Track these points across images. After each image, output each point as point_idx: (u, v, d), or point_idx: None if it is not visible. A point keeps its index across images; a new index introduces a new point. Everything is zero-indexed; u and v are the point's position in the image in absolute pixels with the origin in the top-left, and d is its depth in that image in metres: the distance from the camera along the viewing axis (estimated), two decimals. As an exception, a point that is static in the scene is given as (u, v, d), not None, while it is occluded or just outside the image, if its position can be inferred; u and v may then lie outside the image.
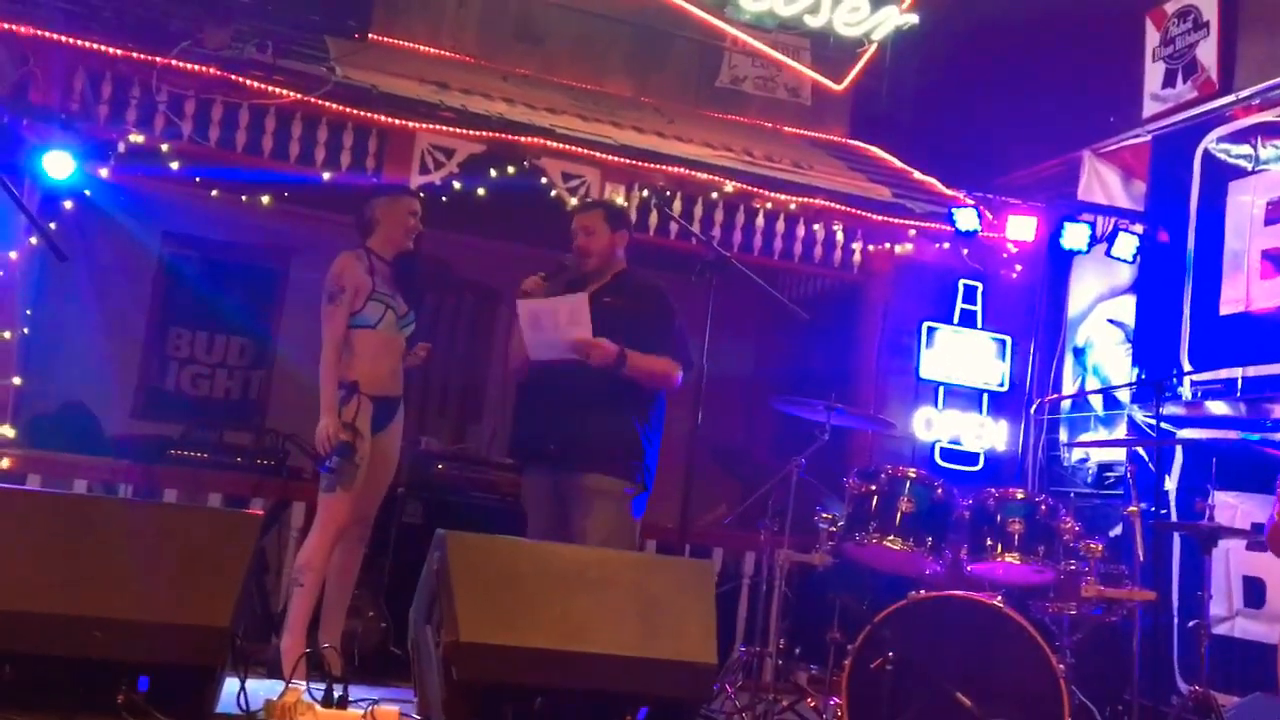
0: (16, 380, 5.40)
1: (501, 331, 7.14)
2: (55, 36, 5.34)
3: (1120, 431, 6.19)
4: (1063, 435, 6.72)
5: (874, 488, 4.57)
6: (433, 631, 3.23)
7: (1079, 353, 6.75)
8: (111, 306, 6.85)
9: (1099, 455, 6.40)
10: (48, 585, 2.86)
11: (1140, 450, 5.91)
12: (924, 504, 4.51)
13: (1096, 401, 6.52)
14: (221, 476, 5.78)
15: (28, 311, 5.48)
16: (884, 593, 4.60)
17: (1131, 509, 4.43)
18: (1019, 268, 6.86)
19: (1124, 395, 6.25)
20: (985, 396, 6.83)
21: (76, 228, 5.72)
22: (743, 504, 4.99)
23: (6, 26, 5.28)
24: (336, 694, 3.40)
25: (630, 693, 3.17)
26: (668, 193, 6.07)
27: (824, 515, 4.64)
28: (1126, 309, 6.47)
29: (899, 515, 4.49)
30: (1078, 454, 6.55)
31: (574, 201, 5.91)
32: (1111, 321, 6.58)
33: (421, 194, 5.85)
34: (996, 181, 7.19)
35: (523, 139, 5.97)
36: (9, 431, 5.37)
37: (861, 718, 4.19)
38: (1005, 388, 6.85)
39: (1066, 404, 6.71)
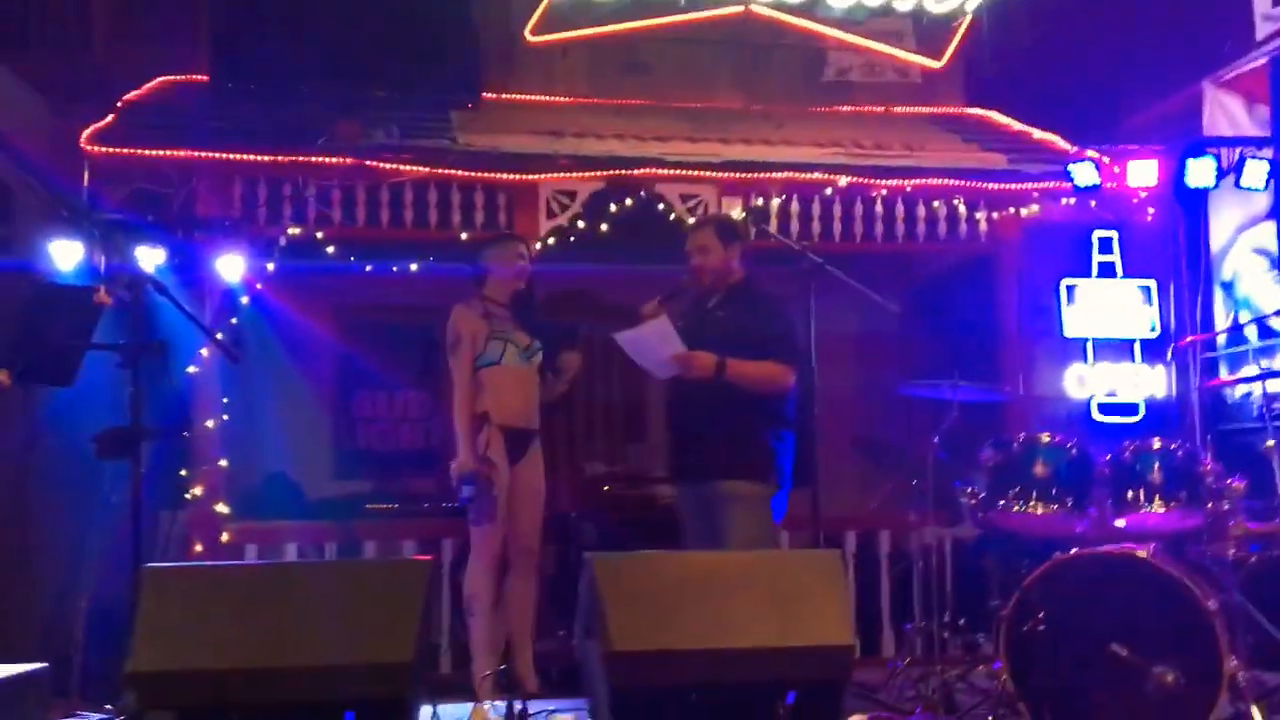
0: (224, 462, 6.06)
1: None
2: (210, 155, 5.98)
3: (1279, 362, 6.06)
4: (1223, 372, 6.60)
5: (1009, 456, 4.67)
6: (593, 645, 3.57)
7: (1228, 287, 6.62)
8: (298, 381, 7.50)
9: (1261, 388, 6.25)
10: (259, 644, 3.34)
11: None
12: (1060, 465, 4.59)
13: (1252, 334, 6.39)
14: (412, 524, 6.32)
15: (224, 400, 6.12)
16: (1037, 556, 4.69)
17: (1269, 443, 4.42)
18: (1152, 211, 6.76)
19: (1279, 324, 6.12)
20: (1137, 345, 6.77)
21: (256, 318, 6.35)
22: (886, 489, 5.17)
23: (168, 152, 5.95)
24: (518, 709, 3.79)
25: (777, 680, 3.43)
26: (762, 200, 6.28)
27: (966, 490, 4.77)
28: (1270, 236, 6.32)
29: (1037, 480, 4.59)
30: (1241, 389, 6.43)
31: (692, 221, 6.20)
32: (1257, 251, 6.45)
33: (551, 238, 6.33)
34: (1121, 126, 7.09)
35: (636, 171, 6.31)
36: (224, 509, 6.03)
37: (1024, 679, 4.32)
38: (1156, 333, 6.77)
39: (1222, 340, 6.59)
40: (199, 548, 5.83)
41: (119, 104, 6.24)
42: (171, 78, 6.69)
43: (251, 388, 6.65)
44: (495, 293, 4.93)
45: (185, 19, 6.75)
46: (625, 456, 7.29)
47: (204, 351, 5.92)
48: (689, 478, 4.61)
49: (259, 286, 6.22)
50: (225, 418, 6.10)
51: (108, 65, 6.47)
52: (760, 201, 6.39)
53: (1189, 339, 6.40)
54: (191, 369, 5.89)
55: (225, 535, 5.96)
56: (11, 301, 3.81)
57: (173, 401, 4.85)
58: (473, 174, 6.23)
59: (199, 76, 6.81)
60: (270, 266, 6.15)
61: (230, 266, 5.92)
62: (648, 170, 6.34)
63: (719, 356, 4.40)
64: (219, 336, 4.40)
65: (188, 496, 5.90)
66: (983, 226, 6.69)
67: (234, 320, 6.05)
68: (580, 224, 6.33)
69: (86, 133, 5.87)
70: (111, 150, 5.84)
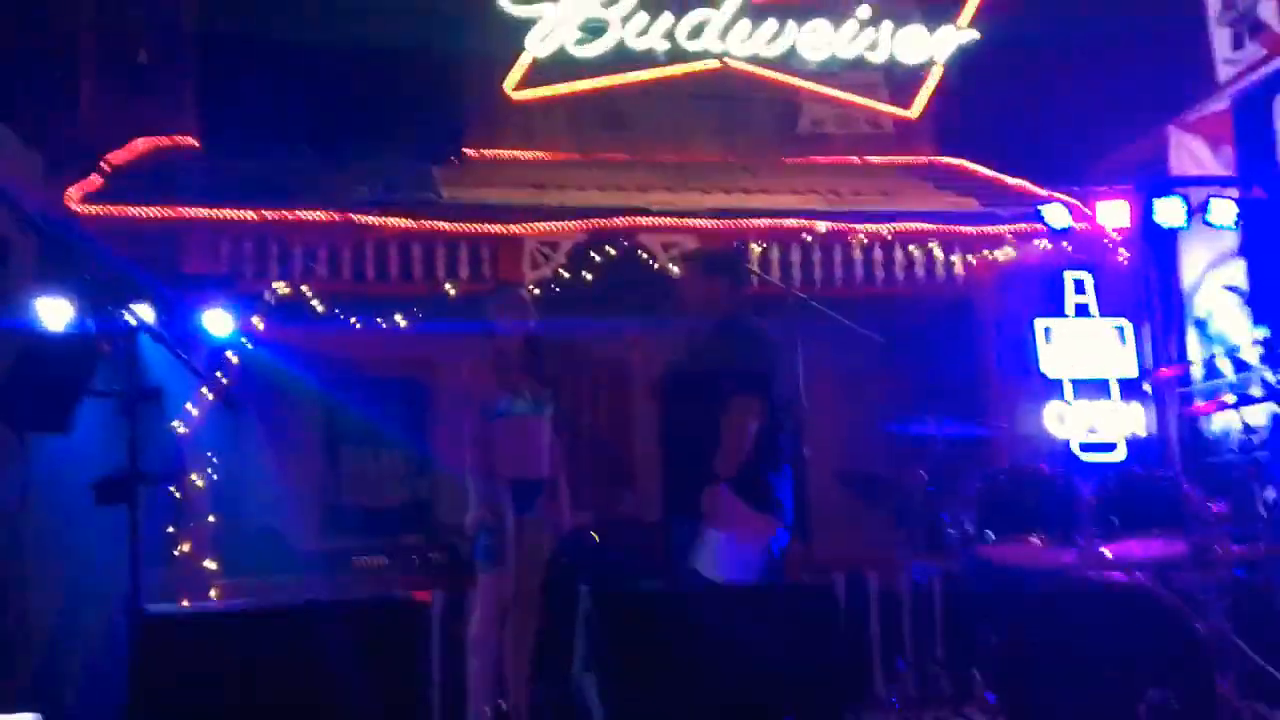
0: (211, 518, 6.05)
1: (636, 401, 7.53)
2: (198, 212, 6.06)
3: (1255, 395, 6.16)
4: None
5: (995, 488, 4.74)
6: (590, 678, 3.58)
7: (1201, 325, 6.75)
8: (286, 438, 7.48)
9: (1239, 421, 6.37)
10: (261, 686, 3.34)
11: (1277, 409, 5.92)
12: (1047, 496, 4.65)
13: (1227, 368, 6.50)
14: (401, 578, 6.32)
15: (212, 457, 6.12)
16: (1025, 588, 4.74)
17: (1251, 465, 4.51)
18: (1124, 252, 6.91)
19: (1253, 357, 6.23)
20: (1114, 383, 6.88)
21: (243, 375, 6.37)
22: (874, 525, 5.22)
23: (158, 212, 6.02)
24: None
25: (774, 706, 3.46)
26: (752, 246, 6.40)
27: (954, 523, 4.82)
28: (1239, 273, 6.47)
29: (1023, 511, 4.65)
30: (1219, 424, 6.54)
31: (675, 270, 6.30)
32: (1227, 288, 6.59)
33: (535, 288, 6.40)
34: (1090, 171, 7.27)
35: (618, 221, 6.42)
36: (212, 565, 6.01)
37: (1019, 711, 4.35)
38: (1133, 372, 6.89)
39: (1198, 373, 6.71)
40: (186, 604, 5.80)
41: (106, 164, 6.32)
42: (158, 139, 6.78)
43: (239, 443, 6.66)
44: (504, 343, 4.96)
45: (172, 82, 6.86)
46: (618, 503, 7.31)
47: (191, 407, 5.95)
48: (686, 515, 4.62)
49: (246, 343, 6.26)
50: (213, 474, 6.11)
51: (96, 127, 6.54)
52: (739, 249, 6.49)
53: (1166, 371, 6.51)
54: (178, 425, 5.90)
55: (213, 592, 5.94)
56: (7, 351, 3.84)
57: (163, 453, 4.86)
58: (457, 227, 6.32)
59: (186, 138, 6.90)
60: (258, 322, 6.19)
61: (218, 322, 5.95)
62: (629, 220, 6.45)
63: (712, 479, 4.33)
64: (221, 380, 4.39)
65: (175, 553, 5.88)
66: (959, 269, 6.82)
67: (222, 375, 6.07)
68: (564, 274, 6.41)
69: (75, 192, 5.94)
70: (100, 209, 5.90)
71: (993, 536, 4.65)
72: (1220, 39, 6.49)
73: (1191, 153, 6.73)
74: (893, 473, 5.22)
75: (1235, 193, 6.30)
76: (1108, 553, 4.65)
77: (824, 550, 4.90)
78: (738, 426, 4.38)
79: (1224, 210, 6.25)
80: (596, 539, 6.52)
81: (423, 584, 6.18)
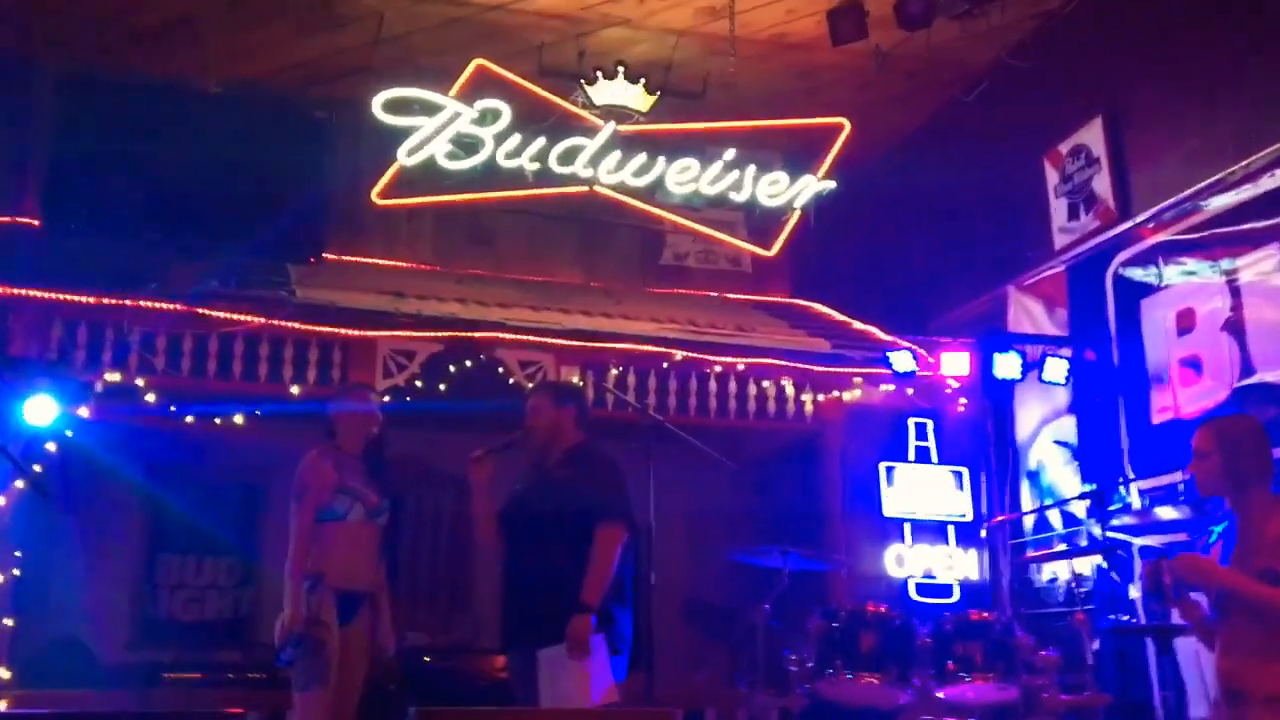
0: (9, 621, 5.58)
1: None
2: (30, 292, 5.74)
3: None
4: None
5: (836, 625, 4.75)
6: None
7: (1033, 476, 7.00)
8: (101, 541, 7.06)
9: (1068, 573, 6.58)
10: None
11: (1102, 562, 6.13)
12: (885, 636, 4.70)
13: (1056, 520, 6.74)
14: (215, 694, 5.93)
15: (18, 554, 5.69)
16: (862, 728, 4.73)
17: (1078, 616, 4.63)
18: (964, 401, 7.17)
19: (1080, 511, 6.48)
20: (951, 528, 7.05)
21: (62, 468, 5.98)
22: (716, 658, 5.15)
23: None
24: None
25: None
26: (610, 369, 6.42)
27: (793, 658, 4.80)
28: (1070, 429, 6.76)
29: (863, 650, 4.67)
30: (1048, 573, 6.73)
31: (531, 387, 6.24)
32: (1058, 443, 6.86)
33: (387, 396, 6.24)
34: (934, 323, 7.57)
35: (477, 335, 6.35)
36: (4, 673, 5.52)
37: None
38: (969, 518, 7.07)
39: (1029, 523, 6.92)
40: (-29, 715, 5.32)
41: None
42: (-3, 218, 6.47)
43: (49, 540, 6.22)
44: (347, 444, 4.76)
45: (17, 161, 6.58)
46: (450, 627, 7.07)
47: (0, 500, 5.55)
48: (525, 643, 4.45)
49: (69, 434, 5.90)
50: (16, 573, 5.67)
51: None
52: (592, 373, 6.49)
53: (1000, 518, 6.70)
54: (-17, 518, 5.49)
55: (3, 703, 5.45)
56: None
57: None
58: (309, 327, 6.15)
59: (26, 218, 6.59)
60: (84, 412, 5.85)
61: (39, 410, 5.59)
62: (488, 334, 6.39)
63: (583, 603, 4.25)
64: (37, 469, 4.10)
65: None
66: (808, 408, 6.96)
67: (37, 468, 5.67)
68: (418, 384, 6.28)
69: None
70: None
71: (832, 674, 4.66)
72: (1058, 209, 6.88)
73: (1029, 312, 7.06)
74: (737, 604, 5.19)
75: (1068, 352, 6.65)
76: (941, 695, 4.70)
77: (665, 685, 4.79)
78: (606, 556, 4.32)
79: (1057, 368, 6.59)
80: (428, 661, 6.29)
81: (239, 703, 5.81)
